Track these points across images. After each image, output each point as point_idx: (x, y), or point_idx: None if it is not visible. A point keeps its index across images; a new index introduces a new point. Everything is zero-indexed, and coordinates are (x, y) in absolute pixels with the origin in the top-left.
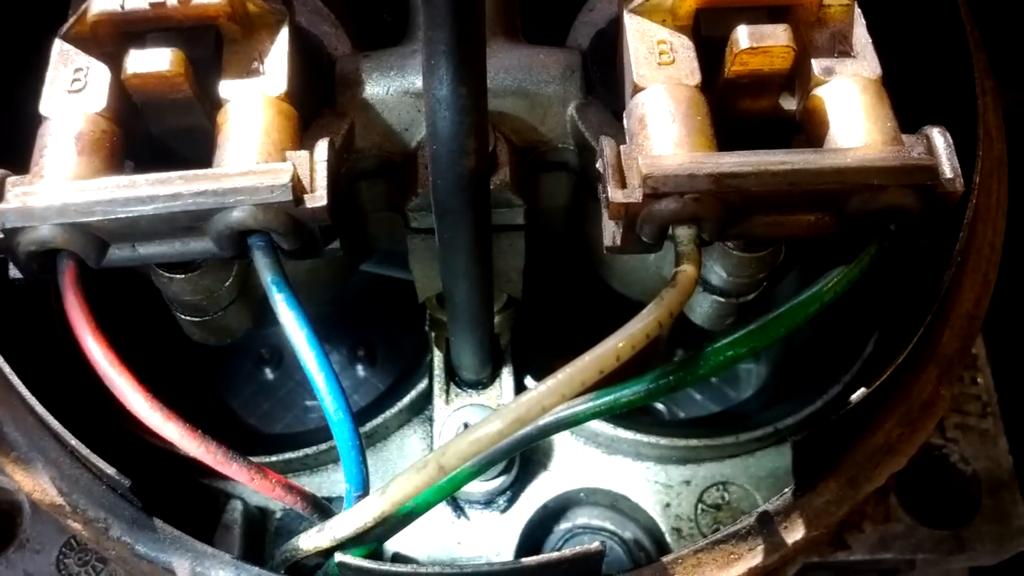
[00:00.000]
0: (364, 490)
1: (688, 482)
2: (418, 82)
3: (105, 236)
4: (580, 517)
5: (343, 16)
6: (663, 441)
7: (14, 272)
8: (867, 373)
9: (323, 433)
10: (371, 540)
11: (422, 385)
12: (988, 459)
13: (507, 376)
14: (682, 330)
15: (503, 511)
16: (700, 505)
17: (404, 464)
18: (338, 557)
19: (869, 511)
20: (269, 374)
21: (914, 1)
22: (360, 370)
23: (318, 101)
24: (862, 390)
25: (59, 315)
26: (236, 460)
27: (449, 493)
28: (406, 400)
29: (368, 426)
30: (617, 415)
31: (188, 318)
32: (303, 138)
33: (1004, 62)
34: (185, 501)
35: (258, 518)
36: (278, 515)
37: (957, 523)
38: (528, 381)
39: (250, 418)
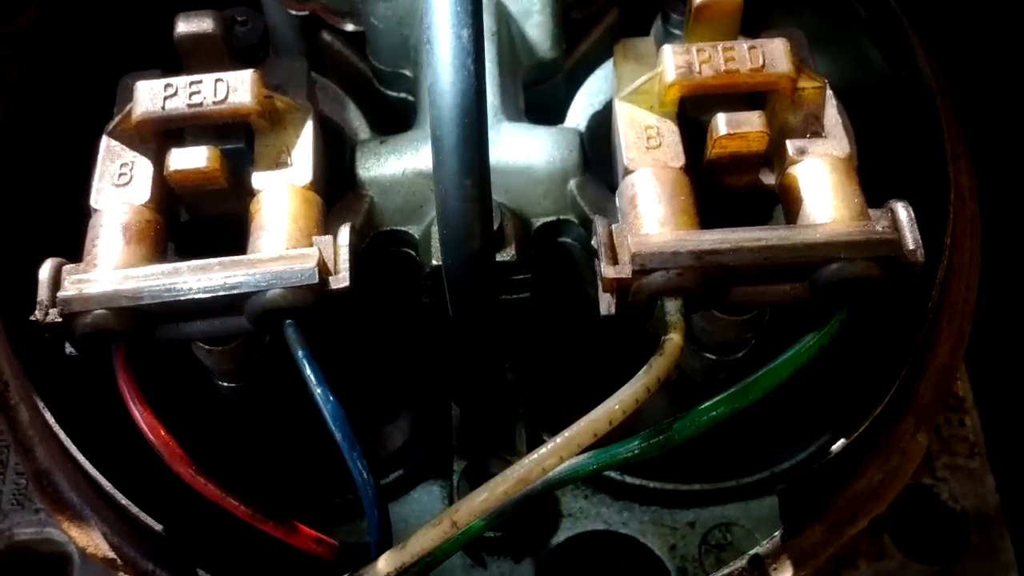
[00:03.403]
0: (387, 542)
1: (692, 524)
2: (430, 164)
3: (152, 317)
4: (590, 559)
5: (361, 102)
6: (667, 486)
7: (69, 348)
8: (853, 420)
9: (348, 485)
10: None
11: (441, 439)
12: (976, 497)
13: (521, 429)
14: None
15: (516, 556)
16: (704, 546)
17: (425, 514)
18: None
19: (864, 548)
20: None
21: (886, 74)
22: (381, 423)
23: (340, 183)
24: (842, 441)
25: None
26: (271, 518)
27: (463, 544)
28: (426, 453)
29: (391, 477)
30: None
31: (225, 384)
32: (328, 218)
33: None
34: (223, 549)
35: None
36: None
37: (948, 559)
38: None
39: (277, 468)
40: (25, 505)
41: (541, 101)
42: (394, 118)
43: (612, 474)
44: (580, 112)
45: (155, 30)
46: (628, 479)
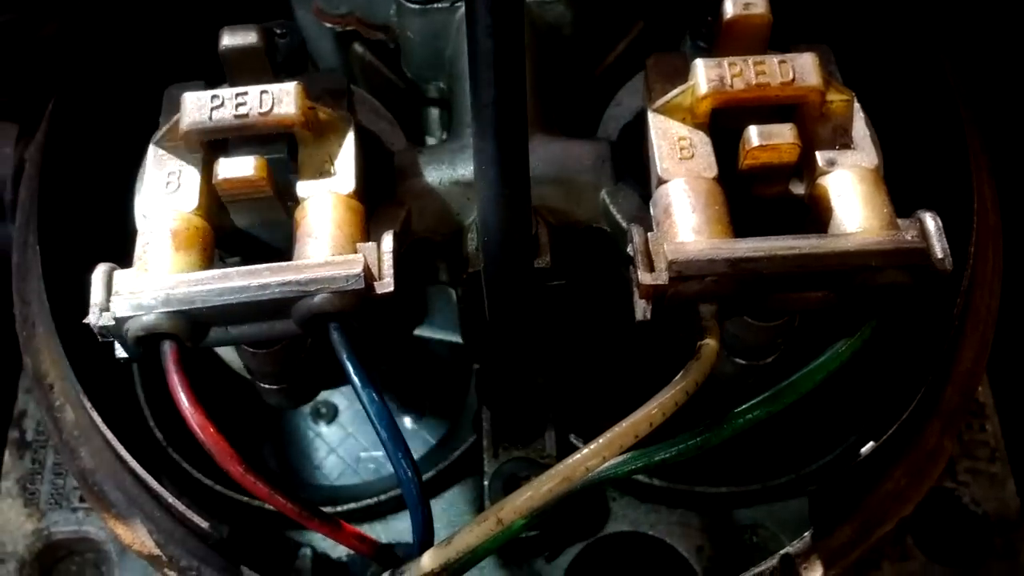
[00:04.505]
0: (429, 540)
1: (719, 526)
2: (466, 173)
3: (203, 321)
4: (618, 560)
5: (397, 114)
6: (694, 489)
7: (120, 353)
8: (880, 424)
9: (378, 484)
10: None
11: (471, 439)
12: (997, 501)
13: (551, 431)
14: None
15: (548, 556)
16: (730, 548)
17: (458, 513)
18: None
19: (887, 550)
20: (324, 428)
21: (912, 89)
22: (409, 422)
23: (379, 192)
24: (871, 444)
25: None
26: (317, 515)
27: (504, 542)
28: (457, 454)
29: (424, 478)
30: None
31: (267, 386)
32: (369, 227)
33: None
34: (260, 549)
35: (325, 563)
36: (344, 560)
37: (970, 561)
38: (572, 438)
39: (306, 470)
40: (63, 504)
41: (572, 112)
42: (423, 127)
43: (640, 477)
44: (611, 124)
45: (191, 43)
46: (656, 482)
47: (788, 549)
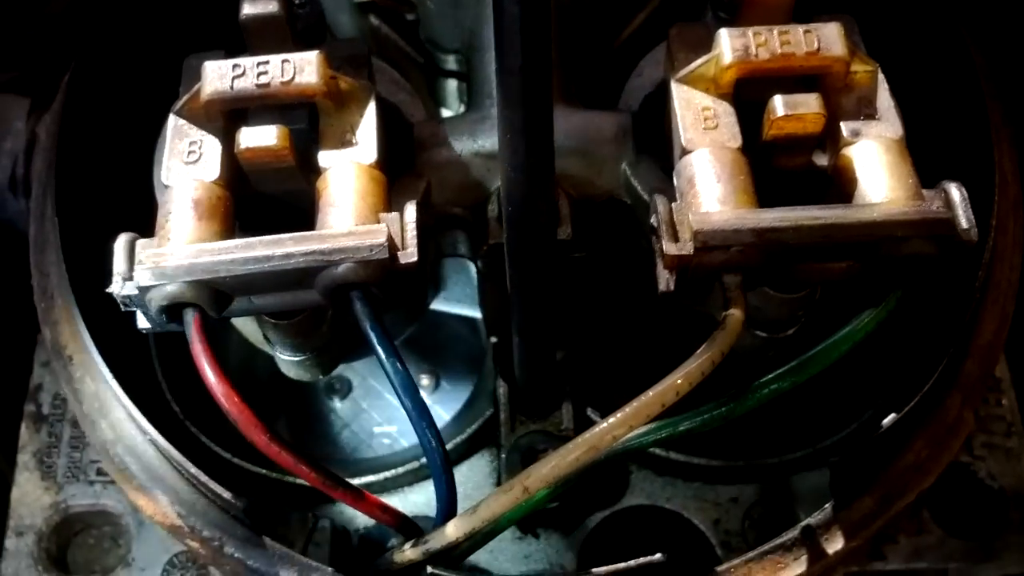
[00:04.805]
0: (453, 510)
1: (735, 499)
2: (487, 144)
3: (226, 290)
4: (635, 533)
5: (417, 85)
6: (711, 462)
7: (142, 323)
8: (897, 398)
9: (392, 458)
10: (458, 554)
11: (488, 413)
12: (1013, 475)
13: (568, 405)
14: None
15: (564, 529)
16: (747, 521)
17: (474, 487)
18: (430, 570)
19: (904, 524)
20: (338, 403)
21: (934, 59)
22: (424, 396)
23: (398, 163)
24: (892, 415)
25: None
26: (341, 484)
27: (528, 511)
28: (474, 427)
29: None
30: None
31: (288, 357)
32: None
33: None
34: (279, 521)
35: (343, 535)
36: (361, 532)
37: (986, 535)
38: (589, 411)
39: (320, 445)
40: (80, 478)
41: (592, 84)
42: (439, 100)
43: (657, 451)
44: (632, 95)
45: (207, 13)
46: (672, 455)
47: (809, 520)
